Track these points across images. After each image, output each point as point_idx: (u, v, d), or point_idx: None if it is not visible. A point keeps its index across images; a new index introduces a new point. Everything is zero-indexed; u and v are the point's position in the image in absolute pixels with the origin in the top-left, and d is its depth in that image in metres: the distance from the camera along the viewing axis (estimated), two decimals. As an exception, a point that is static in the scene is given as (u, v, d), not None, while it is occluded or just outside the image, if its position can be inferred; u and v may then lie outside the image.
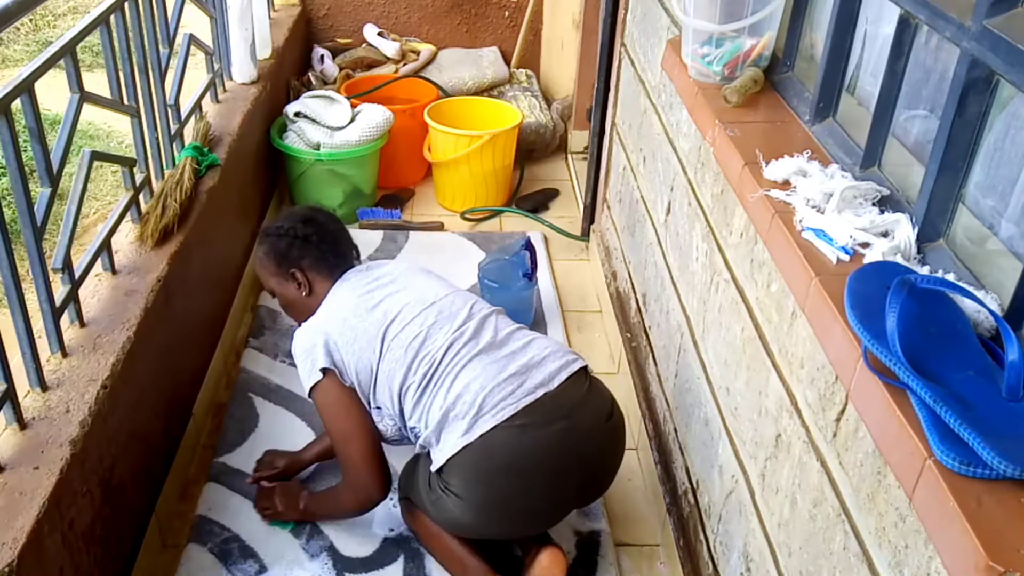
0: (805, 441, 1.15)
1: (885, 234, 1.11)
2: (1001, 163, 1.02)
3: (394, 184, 3.11)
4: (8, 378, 1.30)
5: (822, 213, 1.17)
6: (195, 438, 1.97)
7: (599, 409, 1.57)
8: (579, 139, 3.29)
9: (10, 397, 1.31)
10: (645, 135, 2.17)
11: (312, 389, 1.59)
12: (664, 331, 1.95)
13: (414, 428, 1.57)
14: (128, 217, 1.81)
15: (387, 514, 1.79)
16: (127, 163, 1.81)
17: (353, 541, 1.74)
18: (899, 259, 1.07)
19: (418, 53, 3.38)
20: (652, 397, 2.04)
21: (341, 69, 3.31)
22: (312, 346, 1.59)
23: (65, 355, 1.49)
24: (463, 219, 2.98)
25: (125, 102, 1.79)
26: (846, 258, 1.09)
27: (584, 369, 1.60)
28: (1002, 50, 0.92)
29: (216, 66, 2.45)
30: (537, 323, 2.42)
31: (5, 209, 1.30)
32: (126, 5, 1.73)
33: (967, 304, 0.97)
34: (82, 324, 1.56)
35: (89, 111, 1.60)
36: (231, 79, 2.58)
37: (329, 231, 1.74)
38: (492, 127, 2.92)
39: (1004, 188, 1.02)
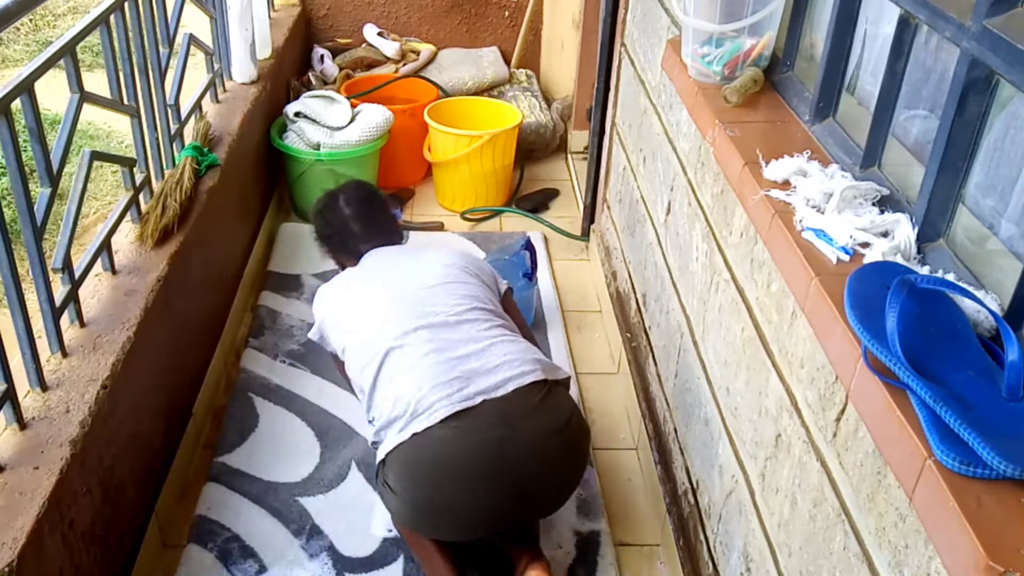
0: (805, 441, 1.16)
1: (885, 234, 1.11)
2: (1001, 163, 1.02)
3: (394, 184, 3.11)
4: (8, 378, 1.30)
5: (822, 213, 1.17)
6: (195, 438, 1.97)
7: (548, 422, 1.51)
8: (579, 139, 3.29)
9: (10, 397, 1.31)
10: (645, 135, 2.17)
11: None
12: (664, 331, 1.95)
13: (371, 421, 1.61)
14: (128, 217, 1.81)
15: (386, 514, 1.79)
16: (127, 163, 1.81)
17: (353, 541, 1.74)
18: (899, 259, 1.07)
19: (418, 53, 3.38)
20: (652, 397, 2.04)
21: (341, 69, 3.31)
22: (317, 320, 1.76)
23: (65, 355, 1.49)
24: (463, 219, 2.98)
25: (125, 102, 1.79)
26: (846, 258, 1.09)
27: (544, 381, 1.54)
28: (1002, 50, 0.92)
29: (216, 66, 2.45)
30: (537, 323, 2.42)
31: (5, 209, 1.29)
32: (126, 5, 1.73)
33: (967, 304, 0.97)
34: (82, 324, 1.56)
35: (89, 111, 1.60)
36: (231, 79, 2.58)
37: (345, 218, 1.85)
38: (492, 127, 2.92)
39: (1004, 188, 1.02)
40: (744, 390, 1.40)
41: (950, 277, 1.01)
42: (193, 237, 1.91)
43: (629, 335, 2.30)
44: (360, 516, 1.79)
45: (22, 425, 1.34)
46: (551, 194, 3.15)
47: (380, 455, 1.55)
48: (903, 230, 1.09)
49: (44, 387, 1.41)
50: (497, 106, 3.14)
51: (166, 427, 1.81)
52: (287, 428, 2.02)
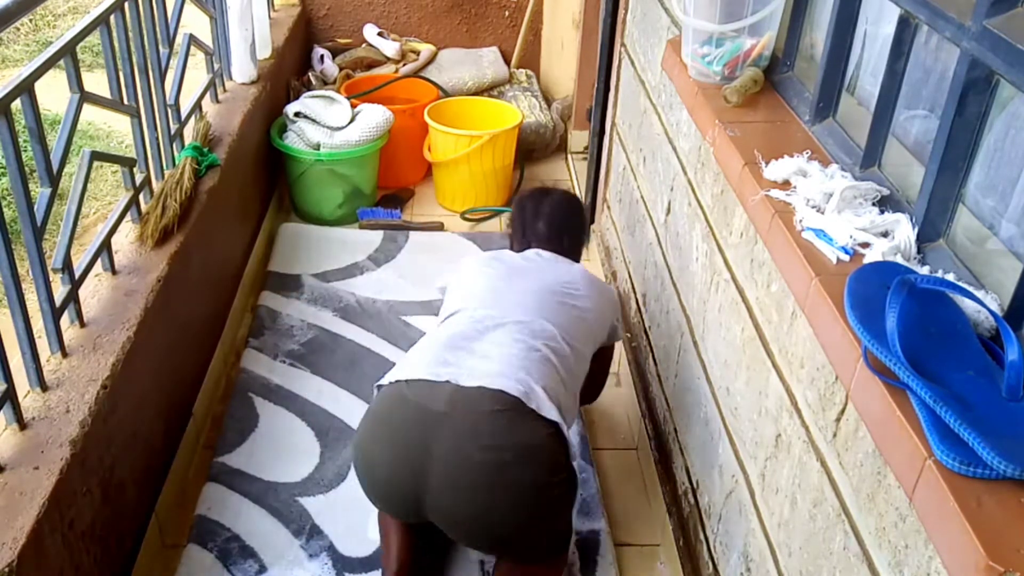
0: (805, 441, 1.16)
1: (885, 234, 1.12)
2: (1001, 163, 1.02)
3: (394, 184, 3.11)
4: (8, 378, 1.30)
5: (822, 213, 1.17)
6: (195, 438, 1.97)
7: (489, 433, 1.38)
8: (579, 139, 3.29)
9: (10, 397, 1.31)
10: (645, 135, 2.17)
11: None
12: (664, 331, 1.95)
13: None
14: (128, 217, 1.81)
15: (387, 514, 1.79)
16: (127, 163, 1.81)
17: (353, 541, 1.74)
18: (899, 259, 1.07)
19: (418, 53, 3.39)
20: (652, 397, 2.04)
21: (341, 69, 3.31)
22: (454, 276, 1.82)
23: (65, 355, 1.49)
24: (463, 219, 2.98)
25: (125, 102, 1.79)
26: (846, 258, 1.09)
27: (516, 401, 1.40)
28: (1002, 50, 0.92)
29: (216, 66, 2.45)
30: (537, 323, 2.42)
31: (5, 209, 1.29)
32: (126, 5, 1.73)
33: (967, 304, 0.97)
34: (82, 324, 1.56)
35: (89, 111, 1.60)
36: (231, 79, 2.58)
37: (539, 213, 1.89)
38: (492, 127, 2.92)
39: (1004, 188, 1.02)
40: (744, 390, 1.40)
41: (950, 277, 1.01)
42: (193, 237, 1.91)
43: (629, 335, 2.30)
44: (360, 516, 1.79)
45: (22, 425, 1.34)
46: (551, 194, 3.15)
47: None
48: (903, 230, 1.09)
49: (44, 387, 1.41)
50: (497, 106, 3.14)
51: (166, 427, 1.81)
52: (287, 428, 2.02)
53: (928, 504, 0.82)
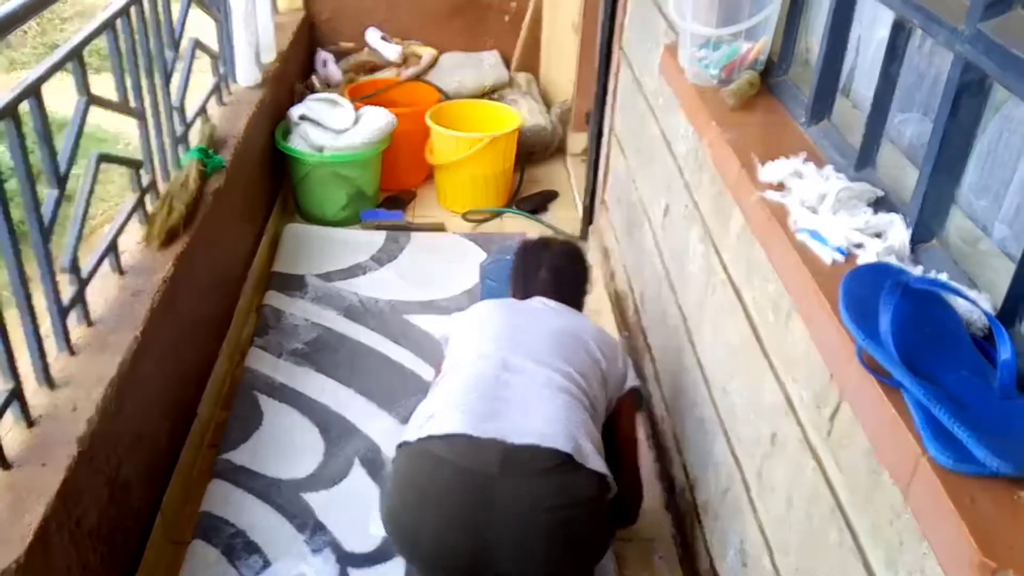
0: (800, 439, 1.17)
1: (879, 235, 1.13)
2: (994, 165, 1.03)
3: (396, 186, 3.13)
4: (16, 377, 1.31)
5: (817, 214, 1.18)
6: (200, 436, 1.99)
7: (547, 494, 1.36)
8: (578, 141, 3.30)
9: (18, 395, 1.33)
10: (643, 138, 2.18)
11: None
12: (661, 331, 1.96)
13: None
14: (135, 218, 1.82)
15: (389, 512, 1.80)
16: (134, 165, 1.83)
17: (356, 537, 1.76)
18: (893, 260, 1.08)
19: (420, 57, 3.40)
20: (650, 396, 2.05)
21: (344, 73, 3.33)
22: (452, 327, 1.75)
23: (72, 354, 1.50)
24: (464, 220, 2.99)
25: (131, 105, 1.80)
26: (841, 259, 1.10)
27: (568, 457, 1.38)
28: (995, 54, 0.93)
29: (221, 70, 2.47)
30: (538, 324, 2.43)
31: (13, 210, 1.31)
32: (132, 9, 1.75)
33: (960, 304, 0.98)
34: (89, 324, 1.58)
35: (96, 114, 1.61)
36: (236, 82, 2.60)
37: (542, 263, 1.84)
38: (493, 130, 2.94)
39: (997, 190, 1.03)
40: (740, 389, 1.42)
41: (943, 277, 1.02)
42: (199, 238, 1.93)
43: (627, 335, 2.31)
44: (363, 512, 1.80)
45: (30, 423, 1.35)
46: (550, 196, 3.17)
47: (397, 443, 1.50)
48: (897, 231, 1.10)
49: (52, 386, 1.43)
50: (497, 109, 3.16)
51: (172, 425, 1.83)
52: (291, 425, 2.04)
53: (922, 501, 0.83)
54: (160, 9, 1.92)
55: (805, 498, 1.15)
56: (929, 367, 0.91)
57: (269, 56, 2.81)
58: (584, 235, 2.86)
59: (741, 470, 1.41)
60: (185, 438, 1.90)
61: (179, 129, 2.05)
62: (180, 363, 1.88)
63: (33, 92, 1.35)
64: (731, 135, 1.43)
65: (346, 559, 1.72)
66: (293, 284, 2.54)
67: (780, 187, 1.27)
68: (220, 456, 1.93)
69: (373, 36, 3.46)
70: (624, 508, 1.60)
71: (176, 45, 2.04)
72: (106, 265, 1.70)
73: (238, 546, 1.72)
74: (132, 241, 1.82)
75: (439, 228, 2.93)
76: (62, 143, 1.49)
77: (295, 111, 2.83)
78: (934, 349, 0.94)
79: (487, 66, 3.44)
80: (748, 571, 1.36)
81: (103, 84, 1.73)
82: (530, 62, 3.57)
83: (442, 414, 1.42)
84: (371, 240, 2.79)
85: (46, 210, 1.41)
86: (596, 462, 1.43)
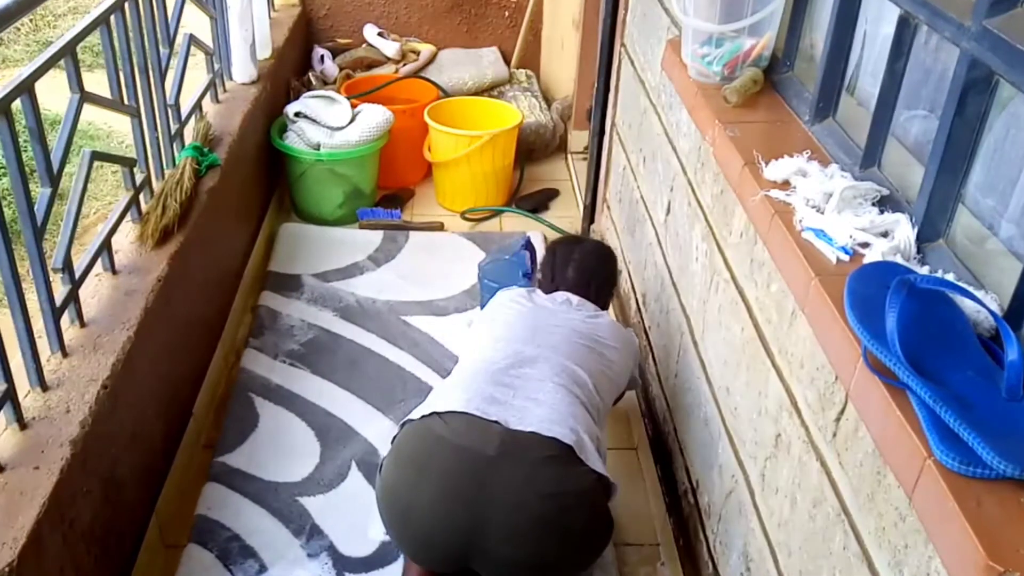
0: (805, 441, 1.16)
1: (885, 234, 1.12)
2: (1001, 163, 1.02)
3: (394, 184, 3.12)
4: (8, 378, 1.30)
5: (822, 213, 1.17)
6: (195, 438, 1.97)
7: (545, 482, 1.38)
8: (579, 139, 3.29)
9: (10, 397, 1.31)
10: (645, 135, 2.17)
11: None
12: (664, 331, 1.95)
13: None
14: (128, 217, 1.81)
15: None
16: (127, 163, 1.81)
17: (353, 541, 1.75)
18: (899, 259, 1.07)
19: (418, 53, 3.39)
20: (652, 397, 2.04)
21: (341, 69, 3.31)
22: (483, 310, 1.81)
23: (65, 355, 1.49)
24: (463, 219, 2.98)
25: (125, 102, 1.79)
26: (846, 258, 1.09)
27: (568, 449, 1.40)
28: (1002, 50, 0.92)
29: (216, 66, 2.45)
30: (537, 323, 2.42)
31: (5, 209, 1.29)
32: (126, 5, 1.73)
33: (967, 304, 0.97)
34: (82, 324, 1.56)
35: (89, 111, 1.60)
36: (231, 79, 2.58)
37: (571, 260, 1.88)
38: (492, 127, 2.92)
39: (1004, 188, 1.02)
40: (744, 390, 1.40)
41: (950, 277, 1.01)
42: (193, 237, 1.91)
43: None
44: (360, 516, 1.79)
45: (22, 425, 1.34)
46: (551, 194, 3.15)
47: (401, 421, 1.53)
48: (903, 230, 1.09)
49: (44, 387, 1.41)
50: (497, 106, 3.15)
51: (166, 427, 1.82)
52: (287, 428, 2.02)
53: (928, 504, 0.82)
54: (154, 5, 1.90)
55: (809, 500, 1.14)
56: (935, 368, 0.90)
57: (265, 52, 2.79)
58: (585, 233, 2.85)
59: (744, 472, 1.39)
60: (180, 439, 1.89)
61: (173, 126, 2.04)
62: (175, 364, 1.86)
63: (26, 89, 1.33)
64: (734, 132, 1.42)
65: (343, 563, 1.70)
66: (289, 284, 2.52)
67: (784, 185, 1.26)
68: (216, 459, 1.91)
69: (371, 32, 3.45)
70: None
71: (171, 41, 2.02)
72: (99, 265, 1.68)
73: (234, 550, 1.71)
74: (126, 240, 1.81)
75: (438, 227, 2.92)
76: (55, 141, 1.47)
77: (291, 108, 2.81)
78: (940, 350, 0.93)
79: (486, 62, 3.42)
80: (752, 575, 1.35)
81: (97, 81, 1.71)
82: (530, 58, 3.56)
83: (448, 394, 1.46)
84: (368, 239, 2.77)
85: (39, 209, 1.39)
86: (596, 462, 1.44)
